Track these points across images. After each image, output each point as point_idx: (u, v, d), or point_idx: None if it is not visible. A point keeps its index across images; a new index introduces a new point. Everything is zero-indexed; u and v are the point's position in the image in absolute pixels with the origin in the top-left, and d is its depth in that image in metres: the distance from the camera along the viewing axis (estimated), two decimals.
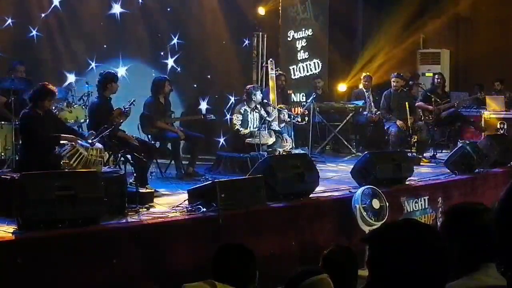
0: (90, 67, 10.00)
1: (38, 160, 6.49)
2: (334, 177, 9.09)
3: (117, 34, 10.48)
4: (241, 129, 9.62)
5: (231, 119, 10.14)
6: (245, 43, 11.99)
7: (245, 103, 9.78)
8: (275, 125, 10.08)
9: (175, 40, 11.10)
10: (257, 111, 9.79)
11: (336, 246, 4.54)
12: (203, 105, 11.42)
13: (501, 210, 1.75)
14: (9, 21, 9.15)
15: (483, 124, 12.45)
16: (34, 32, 9.41)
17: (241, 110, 9.73)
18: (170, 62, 11.10)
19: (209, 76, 11.70)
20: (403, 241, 1.81)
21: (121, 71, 10.19)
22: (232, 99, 11.56)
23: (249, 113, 9.72)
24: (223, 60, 11.73)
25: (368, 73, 12.55)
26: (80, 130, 8.22)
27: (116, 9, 10.36)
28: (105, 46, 10.29)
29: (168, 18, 11.09)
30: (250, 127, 9.67)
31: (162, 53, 11.04)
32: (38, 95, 6.87)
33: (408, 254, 1.79)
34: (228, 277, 3.71)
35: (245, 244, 4.12)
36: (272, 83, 10.69)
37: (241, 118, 9.67)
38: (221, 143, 11.25)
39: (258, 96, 9.75)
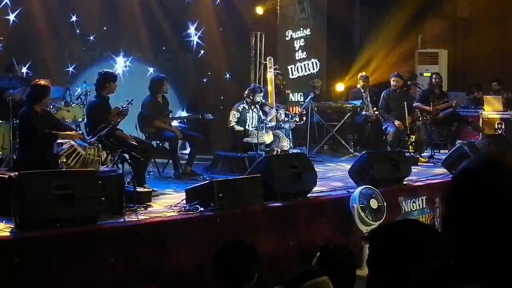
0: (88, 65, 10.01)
1: (36, 159, 6.47)
2: (332, 177, 9.08)
3: (116, 31, 10.47)
4: (235, 126, 9.60)
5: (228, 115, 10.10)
6: (243, 43, 11.99)
7: (244, 101, 9.77)
8: (272, 125, 10.06)
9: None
10: (256, 111, 9.77)
11: (334, 245, 4.53)
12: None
13: None
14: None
15: (481, 124, 12.45)
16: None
17: (239, 108, 9.68)
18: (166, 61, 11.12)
19: (208, 73, 11.69)
20: (404, 241, 1.81)
21: (119, 69, 10.18)
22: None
23: (247, 111, 9.69)
24: (221, 60, 11.73)
25: (364, 73, 12.55)
26: (78, 129, 8.20)
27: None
28: (103, 44, 10.29)
29: (168, 17, 11.08)
30: (248, 126, 9.64)
31: (161, 52, 11.04)
32: (36, 94, 6.85)
33: (409, 254, 1.79)
34: (230, 273, 3.73)
35: None
36: (270, 82, 10.66)
37: (238, 116, 9.65)
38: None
39: (260, 96, 9.73)
